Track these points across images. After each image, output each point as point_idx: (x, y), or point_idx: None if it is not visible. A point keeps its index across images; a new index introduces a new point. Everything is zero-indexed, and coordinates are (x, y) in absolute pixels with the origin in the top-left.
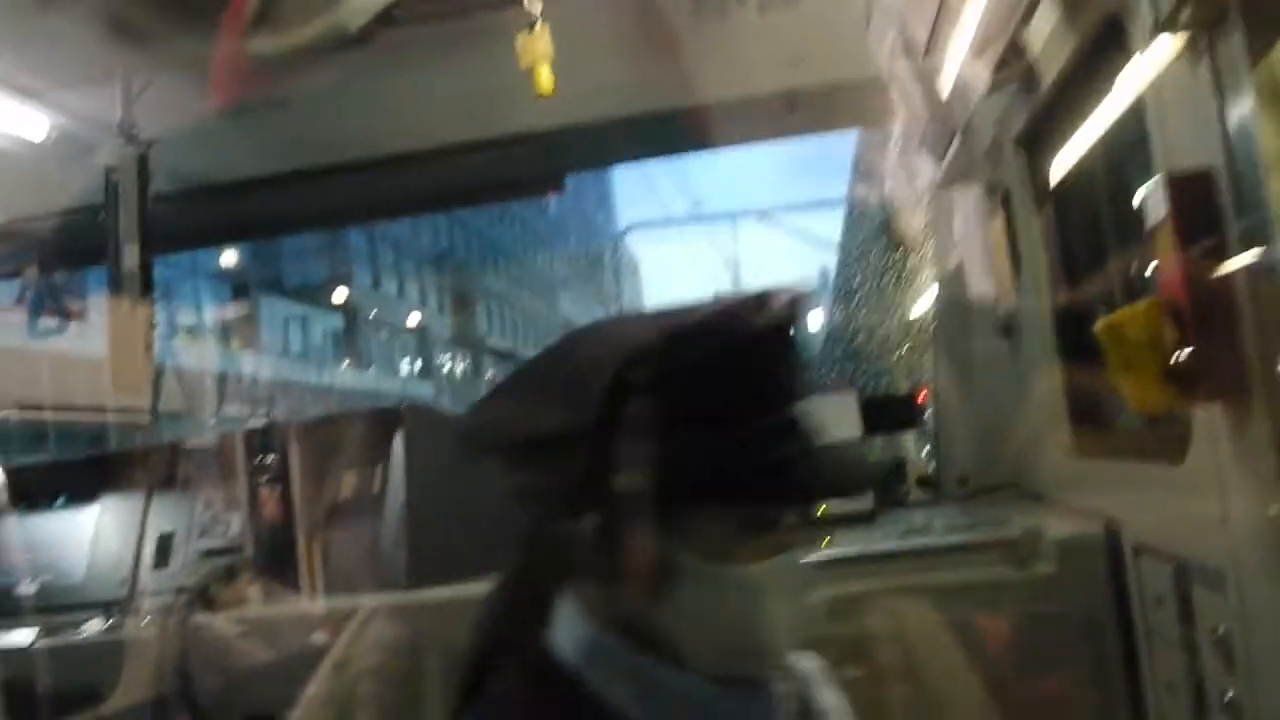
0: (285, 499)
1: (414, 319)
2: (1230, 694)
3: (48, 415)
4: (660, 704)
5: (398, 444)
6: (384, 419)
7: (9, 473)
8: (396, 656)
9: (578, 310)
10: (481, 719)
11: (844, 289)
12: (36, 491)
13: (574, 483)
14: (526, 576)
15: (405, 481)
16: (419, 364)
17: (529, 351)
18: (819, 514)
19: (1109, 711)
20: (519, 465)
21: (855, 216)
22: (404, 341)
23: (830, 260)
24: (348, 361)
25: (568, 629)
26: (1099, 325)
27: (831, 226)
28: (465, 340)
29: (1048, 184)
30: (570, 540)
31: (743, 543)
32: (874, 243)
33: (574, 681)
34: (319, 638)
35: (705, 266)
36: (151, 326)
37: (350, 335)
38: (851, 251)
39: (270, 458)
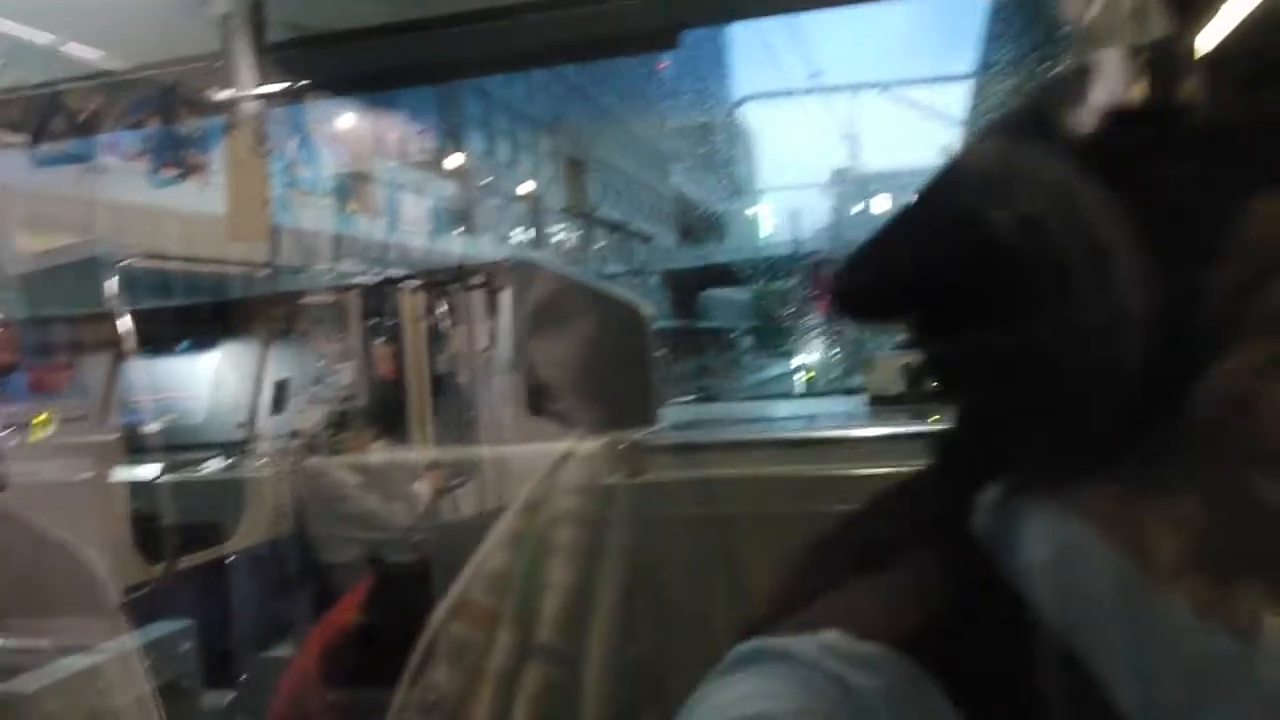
0: (397, 352)
1: (526, 187)
2: None
3: (173, 265)
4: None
5: (505, 300)
6: (493, 276)
7: (137, 318)
8: (594, 500)
9: (690, 182)
10: (863, 613)
11: None
12: (162, 336)
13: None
14: (993, 451)
15: (514, 336)
16: (531, 233)
17: (640, 222)
18: None
19: None
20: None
21: (983, 89)
22: (516, 210)
23: (955, 137)
24: (461, 229)
25: (1038, 537)
26: None
27: (956, 101)
28: (577, 209)
29: (1195, 50)
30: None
31: None
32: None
33: (1017, 602)
34: (429, 487)
35: (823, 140)
36: (267, 179)
37: (463, 202)
38: (978, 127)
39: (383, 313)
